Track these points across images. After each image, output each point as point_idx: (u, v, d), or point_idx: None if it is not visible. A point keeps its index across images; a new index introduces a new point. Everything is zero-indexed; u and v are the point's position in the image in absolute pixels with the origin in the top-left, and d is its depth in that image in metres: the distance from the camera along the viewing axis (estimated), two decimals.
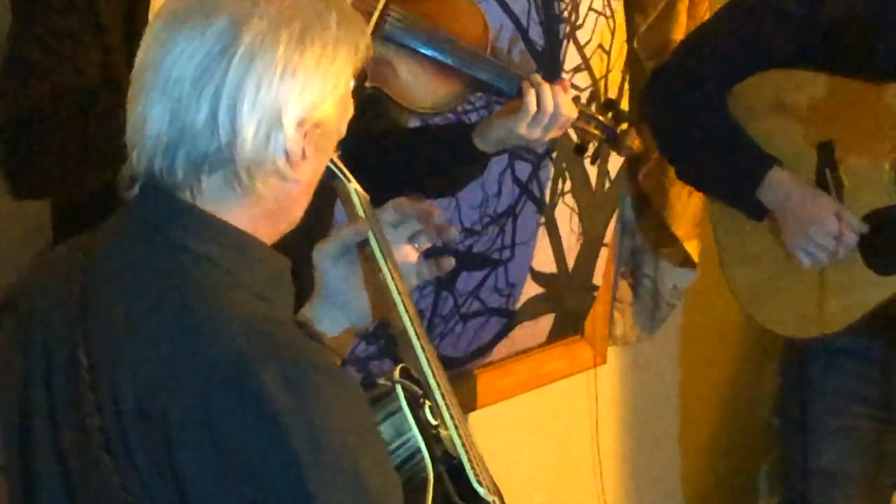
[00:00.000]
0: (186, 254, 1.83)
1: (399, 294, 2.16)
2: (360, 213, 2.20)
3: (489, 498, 2.10)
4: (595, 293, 4.09)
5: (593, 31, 3.82)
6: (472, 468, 2.12)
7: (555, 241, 3.92)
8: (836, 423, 3.34)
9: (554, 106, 2.78)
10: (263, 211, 1.89)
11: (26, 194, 2.70)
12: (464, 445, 2.13)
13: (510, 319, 3.85)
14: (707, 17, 3.98)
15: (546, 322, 4.01)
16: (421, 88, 2.93)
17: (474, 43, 2.94)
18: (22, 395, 1.93)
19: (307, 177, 1.88)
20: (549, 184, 3.84)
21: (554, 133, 2.82)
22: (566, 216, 3.92)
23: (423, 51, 2.86)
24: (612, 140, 2.98)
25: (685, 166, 3.41)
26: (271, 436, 1.70)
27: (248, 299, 1.83)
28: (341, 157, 2.41)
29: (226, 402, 1.70)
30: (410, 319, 2.18)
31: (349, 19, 1.86)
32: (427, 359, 2.18)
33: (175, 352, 1.76)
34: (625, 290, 4.21)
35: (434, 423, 2.09)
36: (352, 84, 1.91)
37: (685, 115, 3.33)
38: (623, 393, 4.47)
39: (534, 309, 3.92)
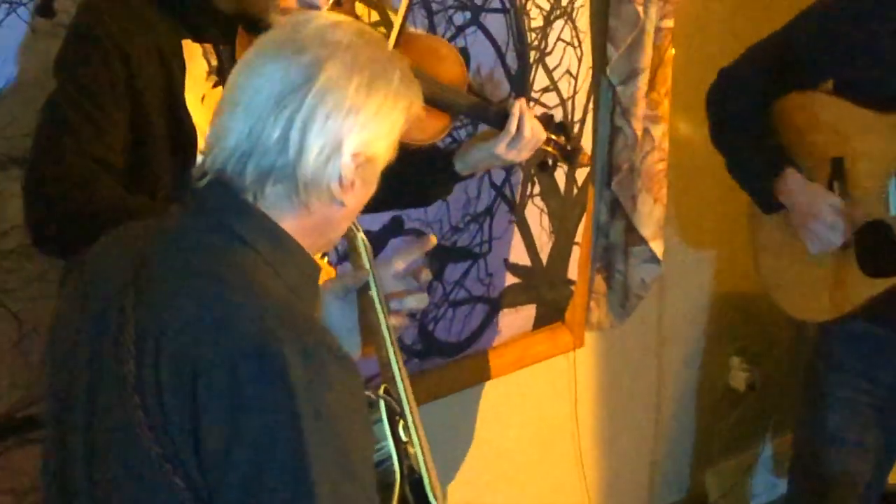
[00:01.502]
0: (238, 241, 1.94)
1: (389, 334, 2.28)
2: (365, 262, 2.30)
3: None
4: (572, 287, 4.16)
5: (562, 58, 3.87)
6: (430, 485, 2.24)
7: (526, 237, 4.00)
8: (845, 384, 3.39)
9: (529, 130, 2.91)
10: (310, 224, 1.98)
11: (45, 251, 2.76)
12: (425, 464, 2.25)
13: (492, 306, 3.94)
14: (670, 48, 4.07)
15: (529, 312, 4.08)
16: (417, 125, 2.73)
17: (457, 82, 3.06)
18: (73, 344, 2.02)
19: (352, 203, 1.99)
20: (519, 187, 3.91)
21: (526, 154, 2.94)
22: (536, 215, 3.98)
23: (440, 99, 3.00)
24: (567, 157, 3.13)
25: (728, 154, 3.51)
26: (283, 400, 1.78)
27: (281, 289, 1.94)
28: None
29: (249, 368, 1.79)
30: (395, 356, 2.30)
31: (409, 80, 2.00)
32: (405, 388, 2.32)
33: (212, 318, 1.85)
34: (599, 283, 4.24)
35: (405, 439, 2.22)
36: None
37: (730, 111, 3.43)
38: (599, 373, 4.46)
39: (513, 297, 4.00)
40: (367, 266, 2.31)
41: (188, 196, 1.99)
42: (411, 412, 2.28)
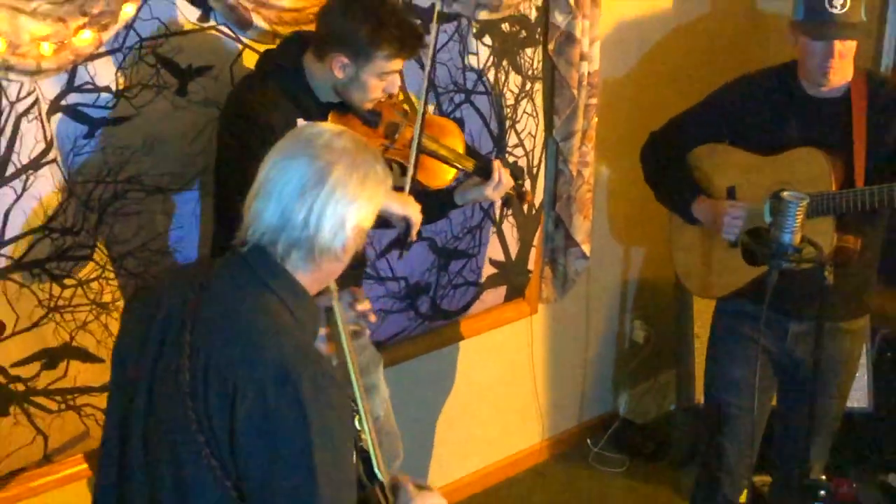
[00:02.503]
0: (270, 292, 2.13)
1: (347, 346, 2.41)
2: (332, 288, 2.39)
3: (382, 478, 2.32)
4: (530, 274, 4.58)
5: (526, 125, 4.29)
6: (376, 461, 2.34)
7: (502, 242, 4.41)
8: (738, 354, 3.63)
9: (505, 179, 3.39)
10: (318, 277, 2.20)
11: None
12: (373, 447, 2.34)
13: (479, 287, 4.38)
14: (594, 117, 4.41)
15: (502, 291, 4.51)
16: (435, 176, 3.37)
17: (459, 148, 3.41)
18: (136, 351, 2.18)
19: (347, 261, 2.22)
20: (497, 210, 4.31)
21: (501, 194, 3.39)
22: (509, 228, 4.40)
23: (441, 156, 3.34)
24: (520, 196, 3.63)
25: (658, 190, 3.75)
26: (298, 415, 1.99)
27: (298, 330, 2.13)
28: None
29: (275, 388, 2.00)
30: (352, 365, 2.40)
31: (385, 170, 2.22)
32: (358, 388, 2.39)
33: (248, 348, 2.04)
34: (548, 271, 4.64)
35: (359, 429, 2.32)
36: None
37: (660, 161, 3.72)
38: (547, 331, 4.82)
39: (492, 281, 4.42)
40: (334, 295, 2.39)
41: (236, 255, 2.17)
42: (363, 408, 2.35)
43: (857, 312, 3.62)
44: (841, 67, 3.34)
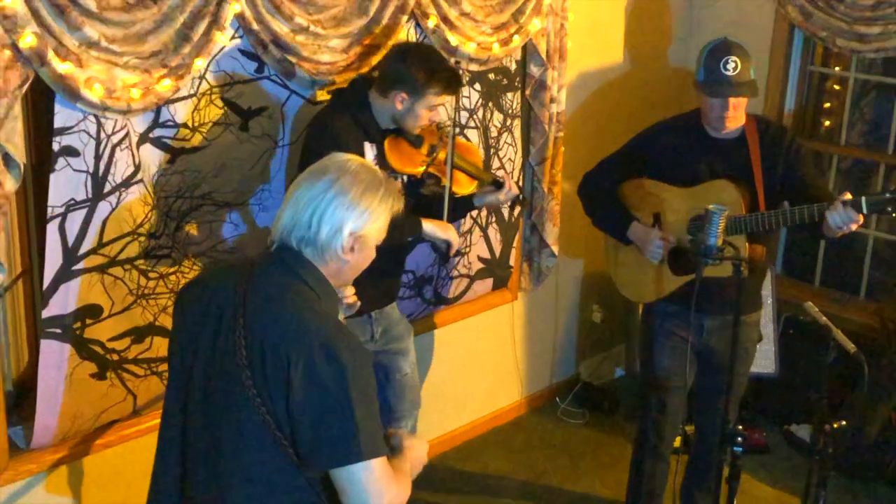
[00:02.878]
0: (300, 280, 2.08)
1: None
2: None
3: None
4: (510, 269, 4.51)
5: (507, 152, 4.24)
6: None
7: (489, 244, 4.35)
8: (669, 344, 3.54)
9: (514, 189, 3.51)
10: (330, 272, 2.12)
11: None
12: None
13: (471, 279, 4.33)
14: (561, 146, 4.37)
15: (489, 282, 4.44)
16: (461, 185, 3.42)
17: (480, 164, 3.54)
18: (192, 333, 2.12)
19: (353, 261, 2.13)
20: (486, 217, 4.25)
21: (507, 200, 3.59)
22: (494, 232, 4.35)
23: (467, 170, 3.44)
24: (522, 202, 3.88)
25: (596, 219, 3.64)
26: (340, 376, 1.96)
27: (323, 307, 2.08)
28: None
29: (321, 357, 1.95)
30: None
31: (391, 193, 2.14)
32: None
33: (294, 325, 1.99)
34: (525, 267, 4.57)
35: None
36: (386, 224, 2.16)
37: (596, 195, 3.60)
38: (525, 313, 4.75)
39: (481, 274, 4.37)
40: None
41: (270, 252, 2.13)
42: None
43: (754, 308, 3.58)
44: (735, 117, 3.33)
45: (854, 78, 4.89)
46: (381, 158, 3.24)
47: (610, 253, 3.73)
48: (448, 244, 3.35)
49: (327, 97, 3.46)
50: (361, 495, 1.97)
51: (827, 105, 5.02)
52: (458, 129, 3.88)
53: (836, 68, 4.95)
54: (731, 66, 3.25)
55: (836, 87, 4.96)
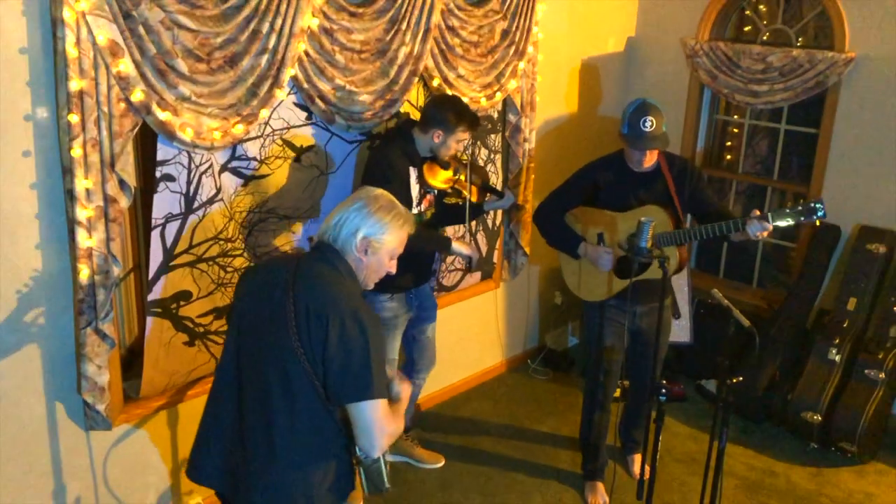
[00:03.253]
0: (334, 268, 2.08)
1: None
2: None
3: None
4: (494, 265, 4.44)
5: (491, 179, 4.06)
6: (385, 462, 2.18)
7: (478, 246, 4.30)
8: (611, 327, 3.46)
9: (513, 197, 3.53)
10: (354, 266, 2.10)
11: None
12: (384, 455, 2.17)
13: (465, 274, 4.28)
14: (532, 164, 4.26)
15: (478, 274, 4.38)
16: (475, 195, 3.44)
17: (487, 179, 3.53)
18: (257, 302, 2.10)
19: (367, 262, 2.11)
20: (474, 224, 4.21)
21: (507, 206, 3.57)
22: (481, 238, 4.31)
23: (479, 184, 3.46)
24: (519, 208, 3.84)
25: (551, 240, 3.47)
26: (362, 334, 1.98)
27: (353, 287, 2.08)
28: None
29: (349, 318, 1.97)
30: None
31: (402, 215, 2.13)
32: None
33: (332, 297, 2.00)
34: (505, 263, 4.48)
35: None
36: (399, 250, 2.13)
37: (548, 222, 3.44)
38: (506, 297, 4.66)
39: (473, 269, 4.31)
40: None
41: (315, 247, 2.13)
42: None
43: (668, 294, 3.41)
44: (650, 159, 3.29)
45: (748, 123, 4.90)
46: (420, 178, 3.30)
47: (563, 265, 3.62)
48: (470, 258, 3.47)
49: (359, 137, 3.44)
50: (369, 426, 1.97)
51: (728, 143, 5.02)
52: (472, 157, 3.98)
53: (735, 116, 4.95)
54: (648, 123, 3.18)
55: (735, 130, 4.97)
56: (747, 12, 4.69)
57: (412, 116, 3.59)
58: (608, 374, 3.56)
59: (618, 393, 3.99)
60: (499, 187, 4.24)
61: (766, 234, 3.06)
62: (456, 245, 3.42)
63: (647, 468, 3.34)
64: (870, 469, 3.99)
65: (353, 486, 2.17)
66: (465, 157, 3.51)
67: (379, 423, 1.97)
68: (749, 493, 3.77)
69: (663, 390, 2.81)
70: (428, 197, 3.37)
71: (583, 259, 3.39)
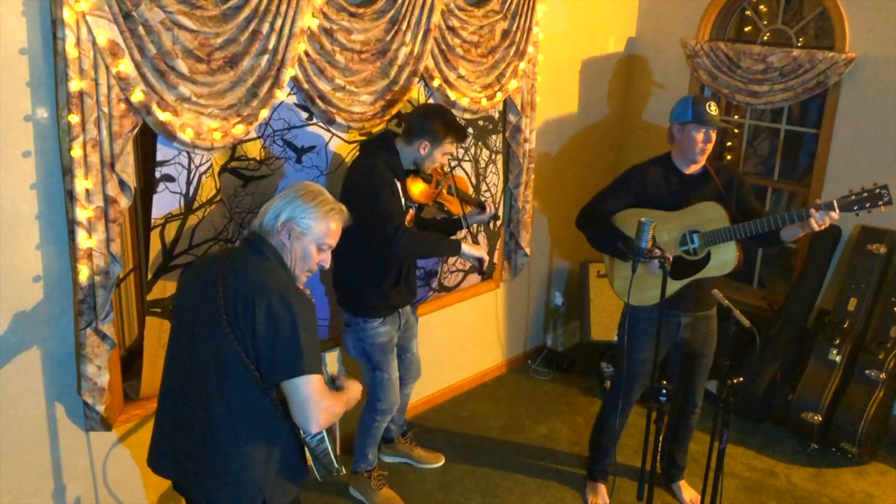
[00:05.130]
0: (263, 257, 2.09)
1: None
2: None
3: (327, 372, 2.21)
4: (494, 265, 4.40)
5: (493, 179, 4.11)
6: (332, 447, 2.16)
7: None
8: (648, 341, 3.32)
9: (493, 209, 3.39)
10: (283, 253, 2.11)
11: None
12: (331, 438, 2.17)
13: (465, 273, 4.24)
14: (532, 174, 4.19)
15: (479, 275, 3.94)
16: (455, 209, 3.37)
17: (470, 192, 3.58)
18: (190, 298, 2.13)
19: (293, 248, 2.10)
20: (476, 227, 4.17)
21: (488, 219, 3.42)
22: (482, 239, 4.25)
23: (461, 196, 3.38)
24: (497, 219, 3.72)
25: (598, 243, 3.25)
26: (290, 313, 1.98)
27: (283, 274, 2.08)
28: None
29: (277, 300, 1.98)
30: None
31: (327, 203, 2.11)
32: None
33: (259, 281, 2.01)
34: (506, 264, 4.46)
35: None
36: (328, 243, 2.12)
37: (595, 225, 3.25)
38: (506, 297, 4.64)
39: (472, 269, 4.21)
40: None
41: (246, 238, 2.15)
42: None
43: (713, 304, 3.32)
44: (708, 150, 3.16)
45: (749, 124, 4.89)
46: (404, 192, 3.17)
47: (612, 270, 3.41)
48: (481, 260, 3.30)
49: (360, 137, 3.42)
50: (304, 401, 1.97)
51: (729, 144, 4.99)
52: (453, 170, 3.87)
53: (736, 116, 4.93)
54: (712, 108, 3.12)
55: (736, 130, 4.94)
56: (747, 12, 4.69)
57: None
58: (632, 389, 3.46)
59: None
60: (498, 186, 4.21)
61: (829, 222, 2.94)
62: (466, 248, 3.26)
63: (696, 496, 3.43)
64: (871, 470, 3.98)
65: (306, 471, 2.19)
66: (446, 170, 3.47)
67: (314, 398, 1.98)
68: (749, 493, 3.76)
69: (664, 391, 2.78)
70: (410, 212, 3.26)
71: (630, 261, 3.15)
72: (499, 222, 4.26)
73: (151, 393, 3.08)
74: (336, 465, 2.17)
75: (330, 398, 2.05)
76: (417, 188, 3.22)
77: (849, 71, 4.14)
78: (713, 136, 3.16)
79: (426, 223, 3.44)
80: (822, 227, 2.97)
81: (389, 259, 3.14)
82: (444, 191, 3.33)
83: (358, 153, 3.25)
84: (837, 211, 2.93)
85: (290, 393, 2.00)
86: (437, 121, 3.10)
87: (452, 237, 3.34)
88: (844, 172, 4.30)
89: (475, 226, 4.20)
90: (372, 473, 3.57)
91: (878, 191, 2.92)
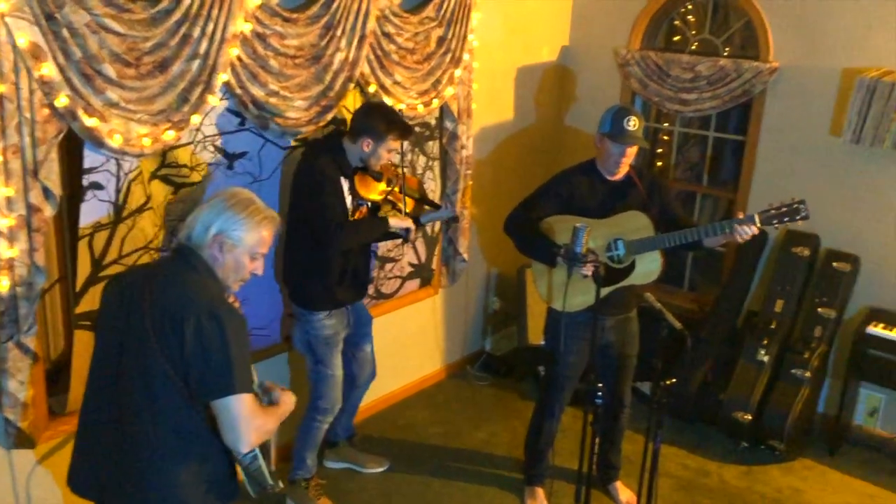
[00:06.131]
0: (193, 269, 2.04)
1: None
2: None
3: (256, 385, 2.13)
4: (433, 271, 4.44)
5: (430, 185, 4.14)
6: (266, 463, 2.12)
7: (416, 253, 4.31)
8: (574, 348, 3.34)
9: (448, 210, 3.51)
10: (214, 266, 2.06)
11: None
12: (264, 454, 2.12)
13: (403, 280, 4.27)
14: (469, 181, 4.22)
15: (417, 281, 4.36)
16: (411, 207, 3.38)
17: (421, 192, 3.56)
18: (115, 312, 2.06)
19: (225, 261, 2.06)
20: (413, 234, 4.15)
21: (444, 218, 3.52)
22: (420, 245, 4.30)
23: (414, 197, 3.42)
24: (456, 219, 3.68)
25: (525, 248, 3.26)
26: (220, 329, 1.93)
27: (214, 288, 2.03)
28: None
29: (206, 316, 1.94)
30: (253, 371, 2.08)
31: (259, 212, 2.07)
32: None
33: (187, 296, 1.96)
34: (444, 270, 4.50)
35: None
36: (259, 250, 2.07)
37: (522, 230, 3.25)
38: (444, 304, 4.66)
39: (411, 276, 4.30)
40: None
41: (173, 251, 2.11)
42: (260, 400, 2.13)
43: (634, 306, 3.47)
44: (627, 163, 3.23)
45: (678, 131, 4.98)
46: (353, 189, 3.23)
47: (536, 275, 3.41)
48: (408, 229, 3.32)
49: (296, 144, 3.41)
50: (233, 421, 1.94)
51: (660, 150, 5.08)
52: (406, 168, 3.91)
53: (665, 124, 5.02)
54: (631, 123, 3.15)
55: (666, 137, 5.04)
56: (676, 22, 4.79)
57: (344, 124, 3.55)
58: (562, 392, 3.49)
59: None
60: (436, 199, 4.22)
61: (750, 235, 3.05)
62: (393, 221, 3.28)
63: (633, 495, 3.44)
64: (797, 465, 4.08)
65: (237, 489, 2.14)
66: (399, 169, 3.48)
67: (244, 418, 1.94)
68: (684, 492, 3.83)
69: (599, 393, 2.80)
70: (361, 209, 3.30)
71: (558, 266, 3.19)
72: (455, 223, 4.24)
73: (79, 408, 2.97)
74: (271, 482, 2.13)
75: (261, 416, 2.01)
76: (367, 185, 3.26)
77: (773, 80, 4.26)
78: (629, 151, 3.20)
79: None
80: (745, 240, 3.08)
81: (333, 254, 3.17)
82: (397, 189, 3.34)
83: (306, 151, 3.26)
84: (758, 225, 3.05)
85: (219, 412, 1.96)
86: (378, 118, 3.14)
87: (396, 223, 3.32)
88: (770, 178, 4.41)
89: (430, 226, 4.25)
90: (310, 482, 3.53)
91: (795, 206, 3.03)
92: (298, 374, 3.79)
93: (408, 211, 3.38)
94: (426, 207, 3.50)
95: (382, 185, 3.30)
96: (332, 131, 3.31)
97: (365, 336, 3.62)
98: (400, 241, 3.42)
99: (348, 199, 3.22)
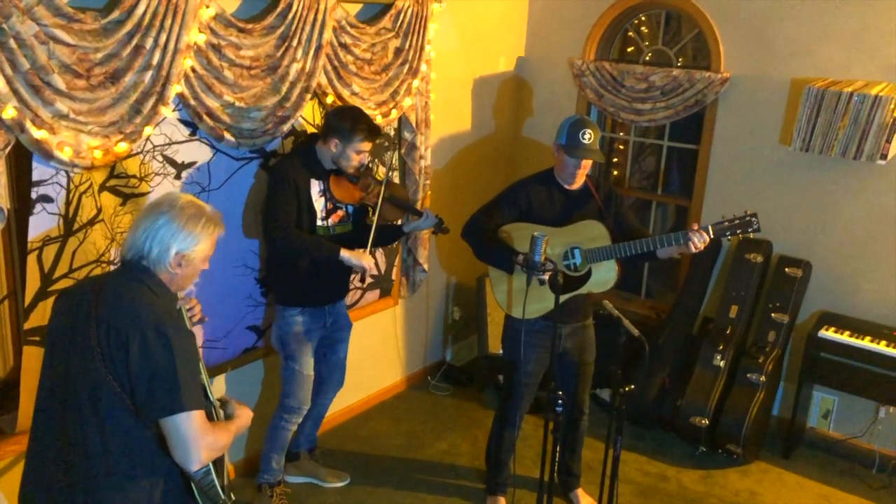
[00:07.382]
0: (142, 284, 2.01)
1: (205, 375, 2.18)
2: (179, 295, 2.14)
3: (213, 398, 2.18)
4: (392, 282, 4.42)
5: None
6: (209, 389, 2.17)
7: (377, 264, 4.29)
8: (533, 357, 3.36)
9: (432, 218, 3.37)
10: (166, 279, 2.05)
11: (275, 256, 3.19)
12: (206, 381, 2.15)
13: (363, 291, 4.25)
14: (430, 192, 4.22)
15: (377, 292, 4.34)
16: (393, 215, 3.37)
17: (407, 199, 3.44)
18: (62, 328, 2.03)
19: (182, 273, 2.07)
20: (366, 272, 4.06)
21: (428, 226, 3.38)
22: (380, 255, 4.29)
23: (395, 203, 3.35)
24: (442, 228, 3.45)
25: (484, 256, 3.27)
26: (167, 346, 1.91)
27: (162, 302, 2.00)
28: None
29: (151, 334, 1.92)
30: (208, 385, 2.18)
31: (212, 221, 2.08)
32: (212, 395, 2.20)
33: (133, 313, 1.94)
34: (404, 280, 4.49)
35: (201, 374, 2.09)
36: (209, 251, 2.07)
37: (480, 237, 3.25)
38: (404, 314, 4.66)
39: (371, 287, 4.29)
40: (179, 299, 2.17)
41: (120, 266, 2.08)
42: (216, 415, 2.16)
43: (590, 314, 3.50)
44: (583, 174, 3.27)
45: (633, 141, 5.04)
46: (327, 192, 3.27)
47: (494, 282, 3.40)
48: (363, 268, 3.26)
49: (250, 154, 3.39)
50: (183, 439, 1.91)
51: (615, 160, 5.13)
52: (390, 173, 3.91)
53: (621, 133, 5.08)
54: (587, 136, 3.17)
55: (621, 146, 5.09)
56: (630, 34, 4.85)
57: (310, 133, 3.55)
58: (522, 400, 3.48)
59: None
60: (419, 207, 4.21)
61: (703, 245, 3.10)
62: (346, 254, 3.21)
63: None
64: (754, 468, 4.14)
65: None
66: (380, 175, 3.48)
67: (193, 435, 1.91)
68: (644, 498, 3.86)
69: (559, 401, 2.81)
70: (339, 213, 3.32)
71: (516, 274, 3.23)
72: (442, 232, 4.07)
73: (29, 427, 2.91)
74: (223, 497, 2.09)
75: (212, 432, 1.97)
76: (340, 188, 3.28)
77: (724, 90, 4.33)
78: (584, 163, 3.23)
79: (363, 226, 3.43)
80: (699, 251, 3.12)
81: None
82: (375, 195, 3.30)
83: (284, 154, 3.32)
84: (711, 236, 3.11)
85: (167, 430, 1.93)
86: (346, 119, 3.18)
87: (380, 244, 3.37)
88: (723, 186, 4.48)
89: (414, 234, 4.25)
90: (275, 490, 3.50)
91: (748, 218, 3.10)
92: (272, 382, 3.76)
93: (389, 218, 3.36)
94: (412, 217, 3.42)
95: (357, 189, 3.29)
96: (311, 135, 3.37)
97: (341, 342, 3.61)
98: (358, 273, 3.34)
99: (321, 201, 3.25)
